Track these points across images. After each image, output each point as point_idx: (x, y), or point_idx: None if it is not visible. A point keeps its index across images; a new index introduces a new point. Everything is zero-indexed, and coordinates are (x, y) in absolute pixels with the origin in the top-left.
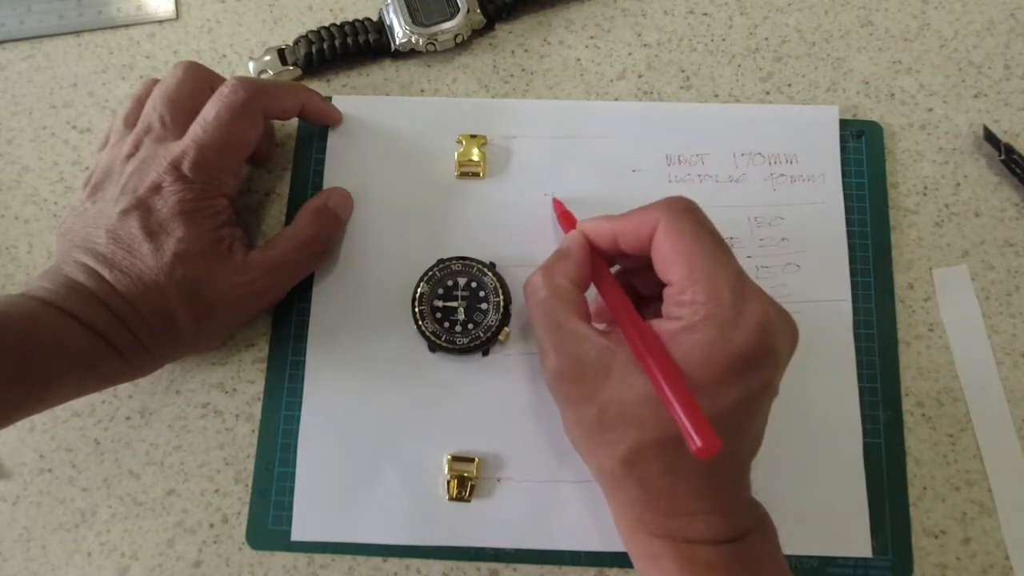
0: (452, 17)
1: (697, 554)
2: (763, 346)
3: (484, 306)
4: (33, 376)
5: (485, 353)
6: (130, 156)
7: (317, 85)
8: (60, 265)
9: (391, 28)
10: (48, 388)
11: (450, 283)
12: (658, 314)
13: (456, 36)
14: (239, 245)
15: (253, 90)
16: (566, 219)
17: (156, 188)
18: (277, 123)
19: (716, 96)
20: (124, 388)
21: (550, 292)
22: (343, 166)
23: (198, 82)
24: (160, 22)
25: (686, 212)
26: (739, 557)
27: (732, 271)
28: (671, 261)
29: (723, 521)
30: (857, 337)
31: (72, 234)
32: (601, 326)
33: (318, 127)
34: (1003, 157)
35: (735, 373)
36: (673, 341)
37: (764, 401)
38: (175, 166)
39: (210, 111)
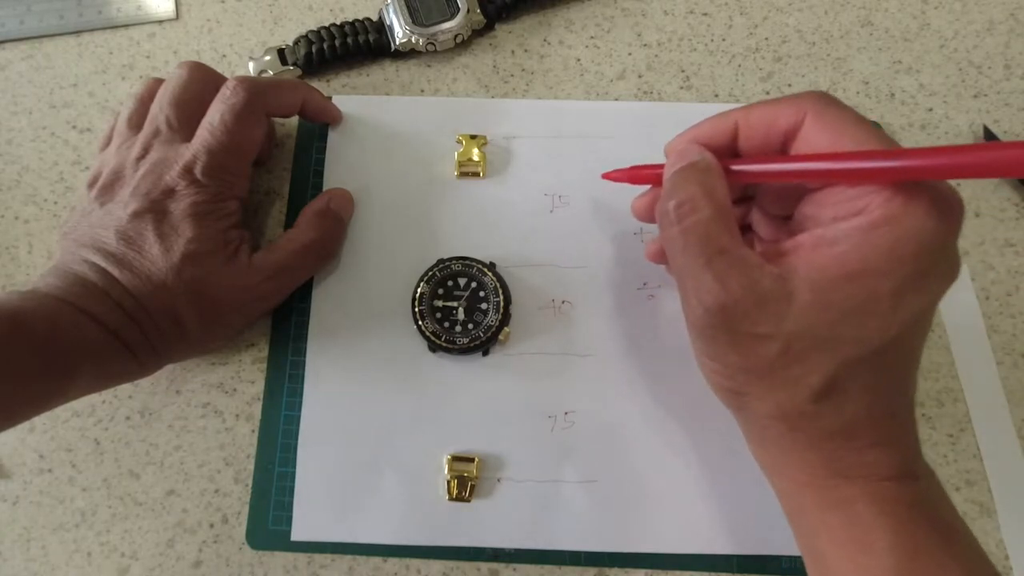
0: (452, 17)
1: (894, 494)
2: (950, 236)
3: (484, 306)
4: (57, 371)
5: (485, 353)
6: (140, 159)
7: (317, 85)
8: (68, 264)
9: (391, 28)
10: (70, 383)
11: (450, 283)
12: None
13: (456, 36)
14: (245, 247)
15: (253, 90)
16: (640, 170)
17: (170, 192)
18: (277, 123)
19: (716, 96)
20: (124, 388)
21: (715, 211)
22: (343, 166)
23: (203, 83)
24: (160, 22)
25: (834, 100)
26: (930, 498)
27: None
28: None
29: (913, 449)
30: None
31: (77, 234)
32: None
33: (318, 127)
34: None
35: (921, 276)
36: (847, 245)
37: (930, 319)
38: (188, 170)
39: (215, 115)
